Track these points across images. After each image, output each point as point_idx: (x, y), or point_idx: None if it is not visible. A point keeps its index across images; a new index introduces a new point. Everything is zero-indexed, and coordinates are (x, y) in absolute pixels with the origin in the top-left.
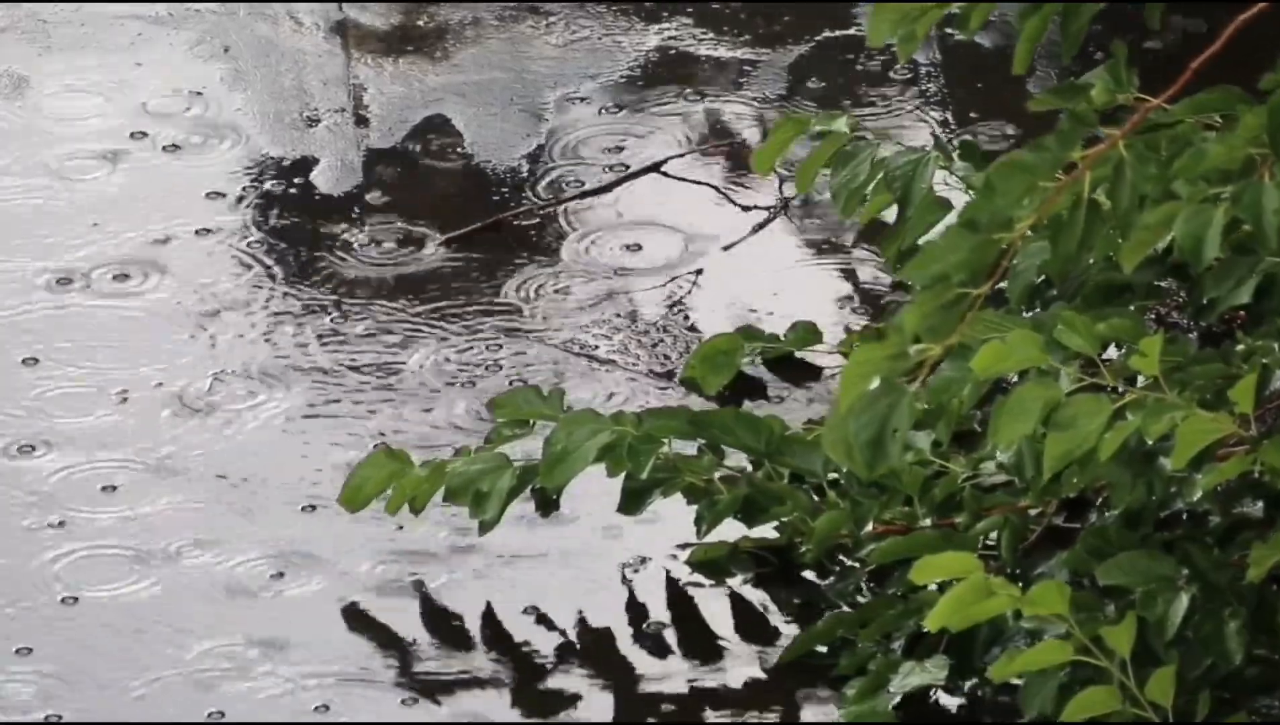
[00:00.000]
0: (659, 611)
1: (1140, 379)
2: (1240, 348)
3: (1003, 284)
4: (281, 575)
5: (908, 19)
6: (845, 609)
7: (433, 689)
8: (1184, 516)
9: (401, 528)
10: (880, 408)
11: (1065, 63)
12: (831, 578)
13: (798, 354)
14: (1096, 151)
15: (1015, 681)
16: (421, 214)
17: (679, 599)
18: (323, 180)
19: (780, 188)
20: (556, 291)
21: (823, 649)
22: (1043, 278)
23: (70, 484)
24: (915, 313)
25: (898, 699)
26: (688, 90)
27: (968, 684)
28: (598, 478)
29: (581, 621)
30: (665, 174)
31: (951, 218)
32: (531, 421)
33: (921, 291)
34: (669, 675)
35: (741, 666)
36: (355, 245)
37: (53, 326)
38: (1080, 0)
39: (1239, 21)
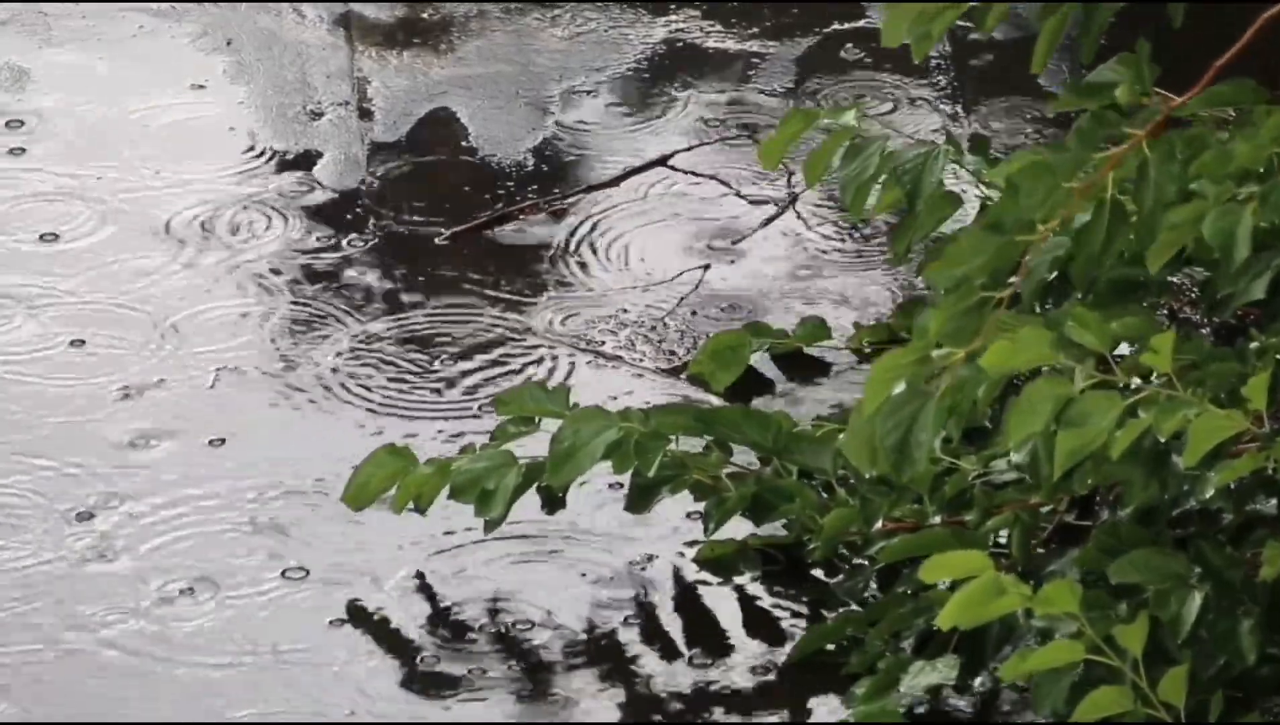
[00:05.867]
0: (666, 609)
1: (1153, 376)
2: (1254, 344)
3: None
4: (282, 572)
5: (923, 19)
6: (854, 607)
7: (437, 688)
8: (1196, 514)
9: (402, 522)
10: (905, 413)
11: (1084, 63)
12: (840, 576)
13: (806, 350)
14: (1119, 152)
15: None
16: (426, 209)
17: (686, 597)
18: (326, 174)
19: (789, 181)
20: (562, 287)
21: (832, 647)
22: (1055, 274)
23: None
24: (938, 317)
25: (908, 698)
26: (695, 83)
27: (978, 683)
28: (605, 475)
29: (587, 620)
30: (672, 168)
31: (961, 213)
32: (537, 418)
33: (944, 295)
34: (676, 674)
35: (749, 665)
36: (359, 240)
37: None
38: (1099, 0)
39: (1263, 19)
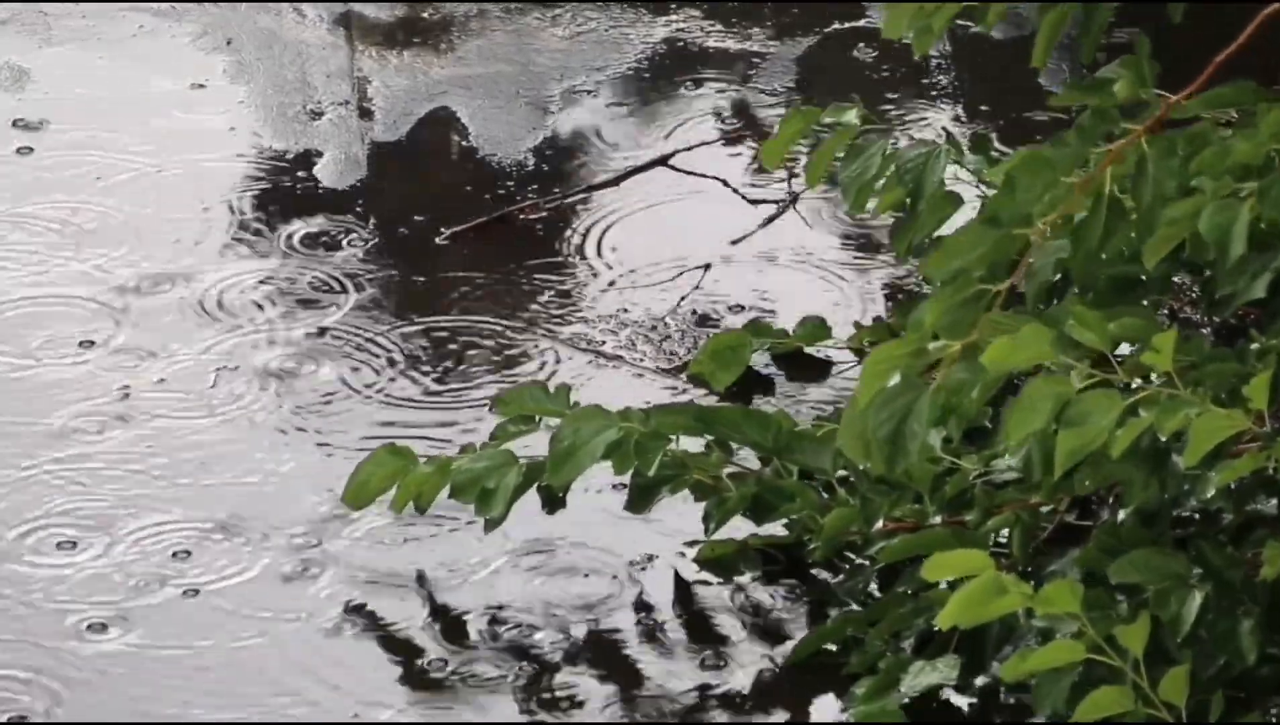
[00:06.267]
0: (666, 609)
1: (1153, 375)
2: (1255, 344)
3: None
4: (283, 573)
5: (924, 13)
6: (855, 607)
7: (437, 688)
8: (1197, 514)
9: (404, 523)
10: (899, 404)
11: (1085, 63)
12: (841, 575)
13: (807, 349)
14: (1118, 147)
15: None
16: (426, 208)
17: (687, 597)
18: (326, 174)
19: (789, 181)
20: (562, 286)
21: (832, 647)
22: (1059, 276)
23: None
24: (934, 309)
25: (908, 698)
26: (696, 83)
27: (979, 683)
28: (605, 474)
29: (588, 620)
30: (673, 167)
31: (963, 212)
32: (537, 418)
33: (941, 287)
34: (676, 674)
35: (750, 665)
36: (359, 240)
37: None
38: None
39: (1263, 15)
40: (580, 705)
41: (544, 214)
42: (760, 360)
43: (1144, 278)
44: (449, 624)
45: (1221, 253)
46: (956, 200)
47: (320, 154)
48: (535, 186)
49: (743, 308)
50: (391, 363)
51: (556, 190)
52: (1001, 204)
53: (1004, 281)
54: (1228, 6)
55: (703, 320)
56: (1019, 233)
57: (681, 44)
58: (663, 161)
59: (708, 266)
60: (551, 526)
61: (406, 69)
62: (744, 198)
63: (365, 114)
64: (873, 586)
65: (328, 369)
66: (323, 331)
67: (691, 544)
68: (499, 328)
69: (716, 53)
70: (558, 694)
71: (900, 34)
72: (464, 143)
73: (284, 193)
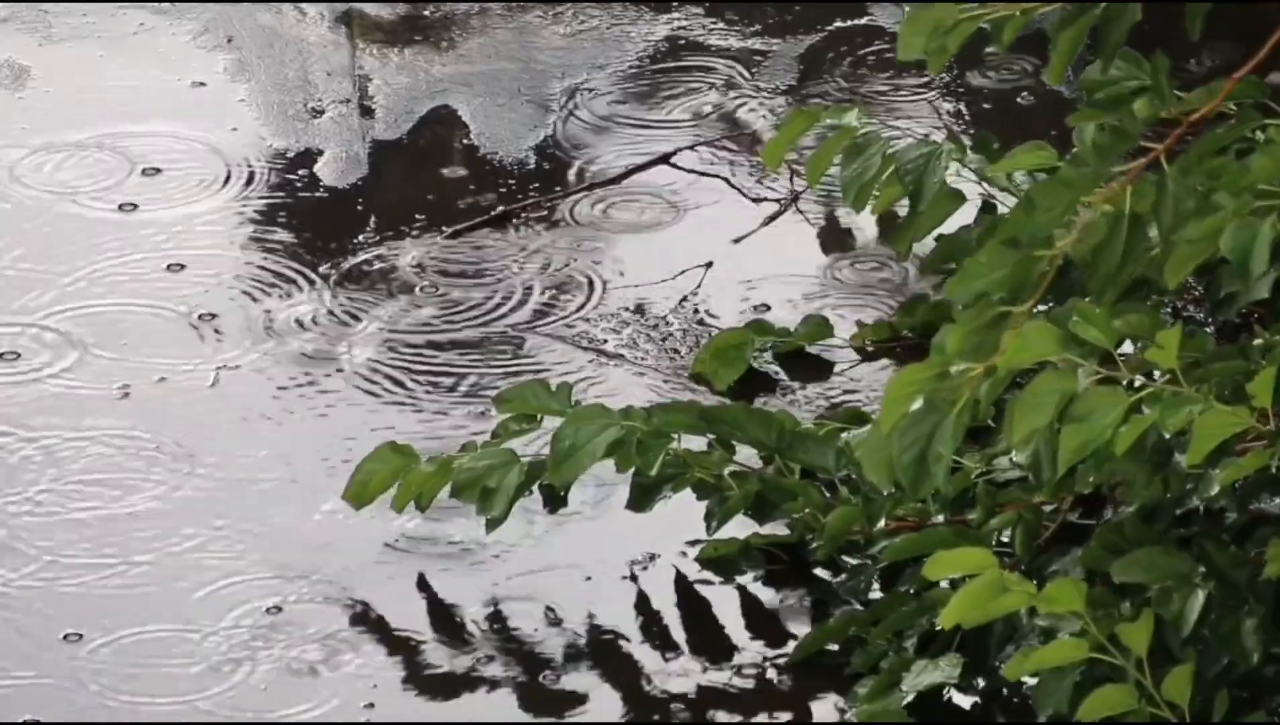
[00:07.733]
0: (668, 609)
1: (1157, 373)
2: (1259, 341)
3: None
4: (283, 574)
5: (939, 32)
6: (857, 606)
7: (438, 687)
8: (1201, 512)
9: (406, 522)
10: (924, 428)
11: (1102, 76)
12: (843, 575)
13: (809, 348)
14: (1137, 166)
15: (1030, 680)
16: (427, 207)
17: (688, 596)
18: (327, 172)
19: (790, 180)
20: (564, 284)
21: (834, 647)
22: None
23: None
24: (957, 332)
25: (910, 697)
26: (697, 81)
27: (981, 682)
28: (606, 473)
29: (590, 619)
30: (674, 166)
31: (964, 211)
32: (539, 416)
33: (963, 310)
34: (678, 674)
35: (752, 665)
36: (359, 239)
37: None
38: (1117, 0)
39: None
40: (581, 705)
41: (545, 212)
42: (762, 359)
43: (1149, 277)
44: (449, 623)
45: (1243, 270)
46: (958, 197)
47: (321, 152)
48: (537, 184)
49: (745, 306)
50: (392, 362)
51: (558, 188)
52: (1021, 225)
53: (1025, 303)
54: (1229, 9)
55: (704, 319)
56: (1039, 254)
57: (683, 41)
58: (664, 160)
59: (709, 265)
60: (551, 524)
61: (408, 67)
62: (745, 196)
63: (366, 112)
64: (875, 586)
65: (329, 368)
66: (323, 333)
67: (694, 543)
68: (500, 325)
69: (718, 50)
70: (559, 694)
71: (915, 54)
72: (465, 141)
73: (284, 192)
